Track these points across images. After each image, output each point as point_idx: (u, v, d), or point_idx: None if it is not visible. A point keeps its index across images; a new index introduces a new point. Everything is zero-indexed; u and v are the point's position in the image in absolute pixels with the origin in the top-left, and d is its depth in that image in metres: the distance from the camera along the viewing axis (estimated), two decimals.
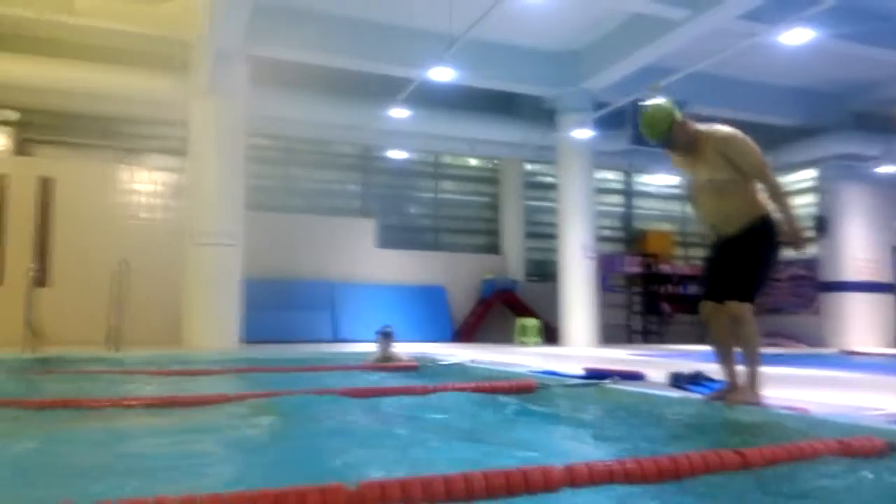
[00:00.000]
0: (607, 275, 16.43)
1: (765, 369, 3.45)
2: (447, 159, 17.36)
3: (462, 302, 15.85)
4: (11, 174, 11.89)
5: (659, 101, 3.64)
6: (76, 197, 12.07)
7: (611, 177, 18.52)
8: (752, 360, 3.36)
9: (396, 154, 16.60)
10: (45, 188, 11.91)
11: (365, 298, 14.65)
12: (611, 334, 15.14)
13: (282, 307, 13.62)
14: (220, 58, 10.23)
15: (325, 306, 14.43)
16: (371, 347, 6.76)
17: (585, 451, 2.66)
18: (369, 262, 15.22)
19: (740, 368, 3.42)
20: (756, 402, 3.25)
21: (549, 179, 17.00)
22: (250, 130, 11.62)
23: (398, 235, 16.12)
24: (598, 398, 3.85)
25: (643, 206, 19.07)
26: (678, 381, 3.94)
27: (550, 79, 13.35)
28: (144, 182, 12.86)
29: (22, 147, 12.98)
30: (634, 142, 13.26)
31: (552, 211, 15.46)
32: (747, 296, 3.36)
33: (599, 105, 13.28)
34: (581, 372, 4.92)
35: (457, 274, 15.90)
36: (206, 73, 10.61)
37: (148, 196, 12.81)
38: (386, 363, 6.29)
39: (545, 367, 5.66)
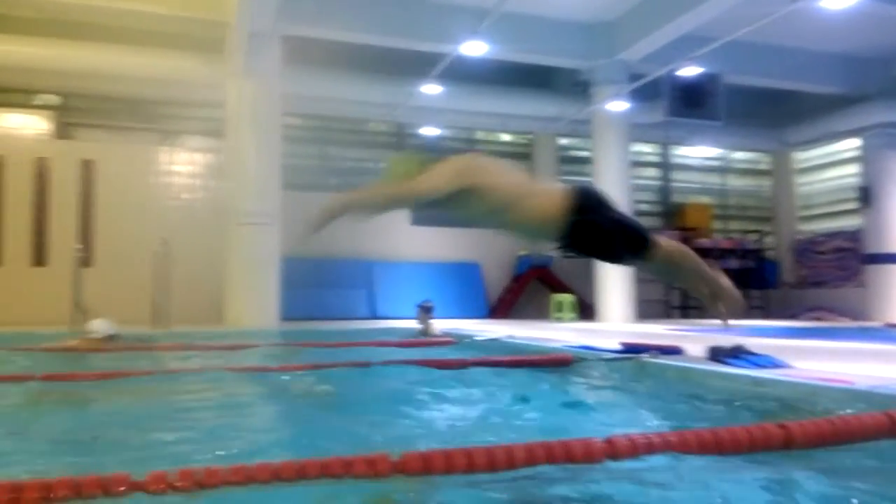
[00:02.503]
0: None
1: (809, 342, 3.40)
2: (480, 135, 17.28)
3: (497, 278, 15.86)
4: (54, 157, 12.19)
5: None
6: (117, 179, 12.34)
7: (647, 150, 18.25)
8: (704, 270, 3.49)
9: (429, 131, 16.57)
10: (87, 171, 12.20)
11: (401, 276, 14.76)
12: (648, 310, 15.02)
13: (319, 285, 13.80)
14: (254, 39, 10.31)
15: (362, 284, 14.59)
16: (408, 324, 6.83)
17: (624, 423, 2.66)
18: (405, 239, 15.30)
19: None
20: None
21: (583, 153, 16.83)
22: (285, 110, 11.71)
23: (431, 213, 16.13)
24: (635, 372, 3.84)
25: (681, 179, 18.77)
26: (717, 354, 3.90)
27: (584, 51, 13.16)
28: (183, 163, 13.08)
29: (63, 130, 13.28)
30: (672, 113, 13.03)
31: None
32: (639, 235, 3.34)
33: (635, 76, 13.06)
34: (617, 346, 4.91)
35: (491, 250, 15.90)
36: (241, 55, 10.70)
37: (187, 177, 13.04)
38: (424, 338, 6.35)
39: (581, 342, 5.65)
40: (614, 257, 3.32)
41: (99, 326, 5.46)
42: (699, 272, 3.36)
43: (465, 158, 3.29)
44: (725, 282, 3.32)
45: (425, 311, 6.68)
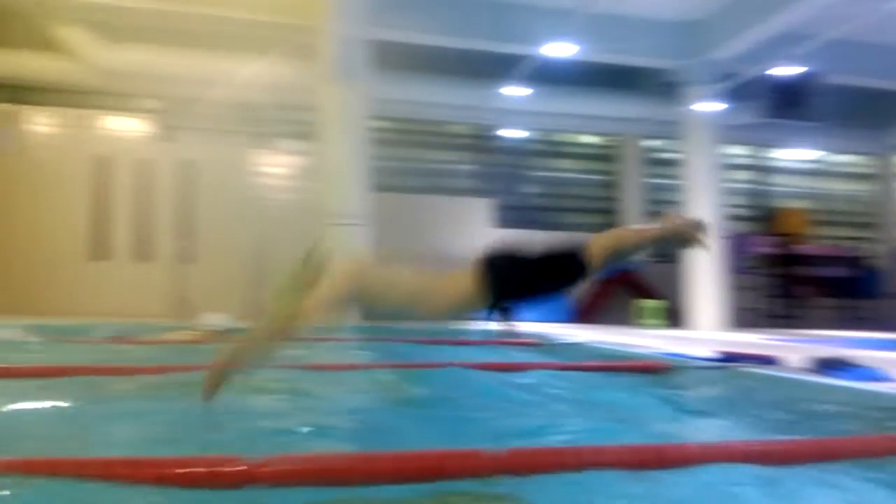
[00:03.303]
0: (738, 256, 15.69)
1: None
2: (562, 137, 17.13)
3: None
4: (157, 159, 12.89)
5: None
6: (215, 179, 12.95)
7: (739, 152, 17.62)
8: (647, 234, 3.17)
9: (511, 133, 16.56)
10: (188, 171, 12.85)
11: None
12: (742, 318, 14.48)
13: None
14: (343, 43, 10.58)
15: None
16: (488, 326, 6.82)
17: (719, 430, 2.62)
18: (486, 241, 15.31)
19: None
20: None
21: (670, 156, 16.42)
22: (373, 113, 11.98)
23: (514, 215, 16.12)
24: (731, 381, 3.75)
25: (776, 182, 18.03)
26: (820, 365, 3.76)
27: (673, 50, 12.85)
28: (277, 165, 13.59)
29: (165, 133, 14.02)
30: (768, 114, 12.56)
31: (674, 189, 14.94)
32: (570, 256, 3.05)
33: (726, 76, 12.65)
34: (711, 355, 4.80)
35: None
36: (331, 59, 11.00)
37: (280, 178, 13.53)
38: (508, 339, 6.36)
39: (671, 349, 5.55)
40: (557, 288, 3.05)
41: (216, 320, 5.65)
42: (644, 239, 3.08)
43: (352, 264, 3.01)
44: (670, 223, 2.99)
45: (507, 313, 6.68)
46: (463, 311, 3.02)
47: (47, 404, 2.69)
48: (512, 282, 2.97)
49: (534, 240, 3.11)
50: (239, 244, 11.02)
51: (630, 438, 2.31)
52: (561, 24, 10.34)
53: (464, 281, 2.92)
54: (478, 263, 2.94)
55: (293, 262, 2.91)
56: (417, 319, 2.95)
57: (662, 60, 13.19)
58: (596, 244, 2.94)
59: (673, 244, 3.07)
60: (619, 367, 4.01)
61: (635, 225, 3.13)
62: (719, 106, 12.95)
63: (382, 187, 13.94)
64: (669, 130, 14.42)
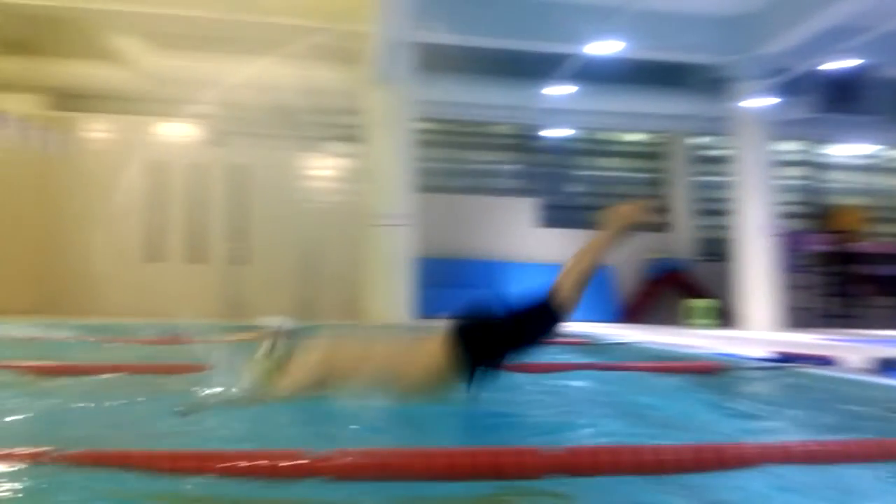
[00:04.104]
0: (791, 254, 15.30)
1: None
2: (607, 135, 16.97)
3: (626, 282, 15.50)
4: (210, 164, 13.21)
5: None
6: (267, 183, 13.24)
7: (791, 148, 17.18)
8: (602, 244, 3.06)
9: (555, 132, 16.47)
10: (239, 175, 13.14)
11: (527, 277, 14.75)
12: (796, 318, 14.11)
13: (451, 285, 14.07)
14: (389, 46, 10.68)
15: (489, 284, 14.74)
16: None
17: (776, 431, 2.58)
18: (531, 241, 15.29)
19: None
20: None
21: (718, 153, 16.12)
22: (418, 115, 12.07)
23: (559, 214, 16.02)
24: (788, 381, 3.68)
25: (830, 178, 17.52)
26: (881, 365, 3.67)
27: (722, 45, 12.59)
28: (325, 168, 13.81)
29: (216, 138, 14.34)
30: (822, 109, 12.22)
31: (723, 186, 14.66)
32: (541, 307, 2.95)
33: (777, 71, 12.35)
34: (764, 355, 4.71)
35: (619, 253, 15.54)
36: (376, 62, 11.13)
37: (328, 181, 13.75)
38: (558, 338, 6.33)
39: (723, 349, 5.46)
40: (534, 342, 2.90)
41: (279, 321, 5.72)
42: (603, 249, 2.98)
43: (322, 344, 2.86)
44: (615, 217, 2.87)
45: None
46: (440, 384, 2.79)
47: (114, 402, 2.79)
48: (485, 349, 2.78)
49: (502, 298, 2.96)
50: (289, 246, 11.23)
51: (686, 439, 2.29)
52: (606, 21, 10.24)
53: (436, 350, 2.75)
54: (447, 334, 2.76)
55: (261, 347, 2.84)
56: (391, 398, 2.64)
57: (710, 56, 12.94)
58: (562, 285, 2.85)
59: (630, 233, 3.00)
60: (671, 368, 3.96)
61: (586, 241, 2.96)
62: (770, 101, 12.66)
63: (427, 188, 14.04)
64: (718, 127, 14.15)
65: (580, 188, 16.79)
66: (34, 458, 1.79)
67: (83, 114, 13.23)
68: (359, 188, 12.88)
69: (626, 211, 2.95)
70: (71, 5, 11.07)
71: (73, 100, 13.36)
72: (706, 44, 12.60)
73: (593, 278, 2.98)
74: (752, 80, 12.54)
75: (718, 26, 12.55)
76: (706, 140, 16.69)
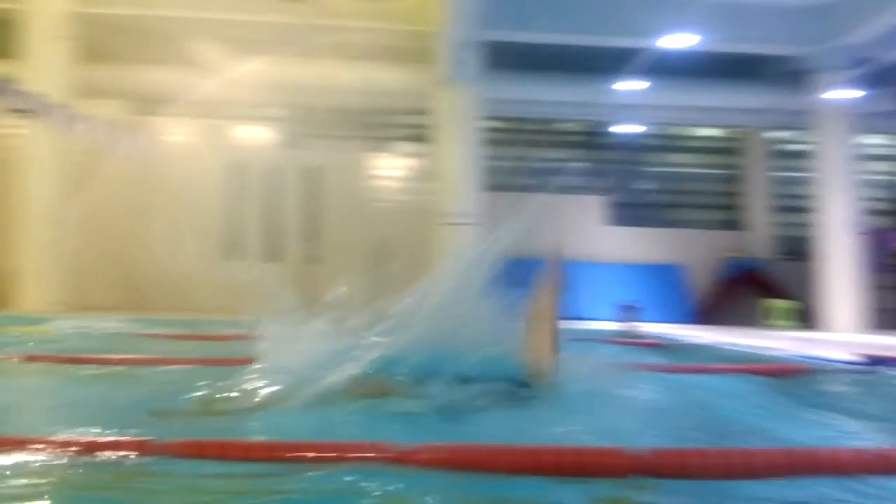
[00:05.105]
0: (876, 252, 14.56)
1: None
2: (680, 131, 16.58)
3: (699, 281, 15.11)
4: (284, 165, 13.58)
5: None
6: (339, 183, 13.52)
7: (876, 142, 16.38)
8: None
9: (625, 128, 16.19)
10: (314, 176, 13.47)
11: (596, 277, 14.56)
12: (882, 319, 13.44)
13: (519, 285, 14.04)
14: (457, 47, 10.74)
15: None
16: (604, 326, 6.74)
17: (869, 434, 2.48)
18: (600, 239, 15.08)
19: None
20: None
21: (798, 147, 15.52)
22: (485, 114, 12.09)
23: (629, 212, 15.76)
24: (877, 384, 3.54)
25: None
26: None
27: (802, 36, 12.13)
28: (395, 168, 14.00)
29: (291, 140, 14.72)
30: None
31: (803, 182, 14.13)
32: None
33: (861, 61, 11.80)
34: (851, 358, 4.53)
35: (693, 251, 15.18)
36: (445, 63, 11.20)
37: (398, 181, 13.93)
38: (631, 339, 6.27)
39: (805, 351, 5.27)
40: None
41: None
42: (557, 297, 2.90)
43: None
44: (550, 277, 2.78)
45: (630, 312, 6.58)
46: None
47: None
48: None
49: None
50: (360, 244, 11.44)
51: (772, 442, 2.24)
52: (680, 14, 10.02)
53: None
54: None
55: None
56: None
57: (789, 47, 12.49)
58: (531, 358, 2.82)
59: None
60: (754, 370, 3.85)
61: (537, 298, 2.93)
62: (854, 93, 12.12)
63: (495, 187, 14.04)
64: (798, 121, 13.64)
65: (651, 185, 16.46)
66: (139, 448, 1.89)
67: (165, 118, 13.78)
68: (427, 188, 13.00)
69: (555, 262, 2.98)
70: (151, 14, 11.56)
71: (155, 104, 13.93)
72: (785, 34, 12.18)
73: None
74: (835, 72, 12.06)
75: (798, 16, 12.09)
76: (785, 134, 16.12)
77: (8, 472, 1.73)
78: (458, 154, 11.46)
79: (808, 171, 13.19)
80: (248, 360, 2.97)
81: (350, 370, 2.68)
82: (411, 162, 14.04)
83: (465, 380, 2.67)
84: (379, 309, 3.04)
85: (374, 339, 2.84)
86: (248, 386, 2.81)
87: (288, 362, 2.87)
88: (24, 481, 1.66)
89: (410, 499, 1.65)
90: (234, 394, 2.77)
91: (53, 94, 10.70)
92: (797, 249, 15.07)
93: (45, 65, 11.25)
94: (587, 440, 2.26)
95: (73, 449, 1.88)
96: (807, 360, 4.34)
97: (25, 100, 10.05)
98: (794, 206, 15.39)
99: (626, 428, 2.51)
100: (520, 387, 2.83)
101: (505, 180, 15.24)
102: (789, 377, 3.75)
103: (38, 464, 1.80)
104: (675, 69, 13.25)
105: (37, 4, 11.44)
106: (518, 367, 2.81)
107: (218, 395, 2.79)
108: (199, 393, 2.81)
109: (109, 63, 12.80)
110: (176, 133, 13.88)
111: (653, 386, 3.43)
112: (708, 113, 14.94)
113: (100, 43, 12.29)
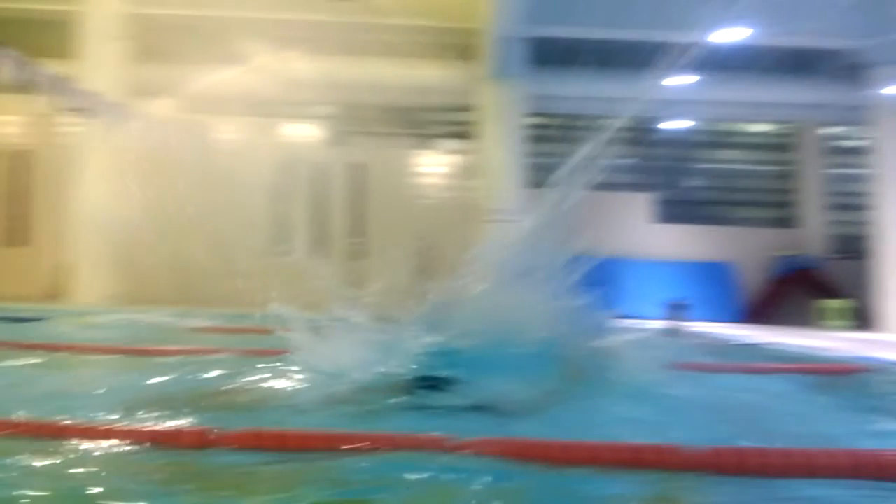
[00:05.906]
0: None
1: None
2: (730, 127, 16.23)
3: (750, 280, 14.78)
4: (330, 162, 13.74)
5: None
6: (384, 180, 13.62)
7: None
8: None
9: (672, 124, 15.92)
10: (359, 173, 13.61)
11: (643, 275, 14.37)
12: None
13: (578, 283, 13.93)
14: (501, 43, 10.72)
15: (603, 282, 14.47)
16: (652, 325, 6.62)
17: None
18: (646, 237, 14.88)
19: None
20: None
21: (854, 143, 15.06)
22: (529, 110, 12.03)
23: (677, 209, 15.50)
24: None
25: None
26: None
27: (858, 29, 11.78)
28: (438, 165, 14.05)
29: (337, 137, 14.88)
30: None
31: (859, 179, 13.71)
32: None
33: None
34: None
35: (744, 249, 14.86)
36: (489, 59, 11.19)
37: (442, 177, 13.97)
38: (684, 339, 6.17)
39: (862, 352, 5.12)
40: None
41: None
42: None
43: None
44: None
45: (678, 310, 6.49)
46: None
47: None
48: None
49: None
50: (405, 241, 11.52)
51: (831, 443, 2.18)
52: (731, 7, 9.80)
53: None
54: None
55: None
56: None
57: (845, 41, 12.15)
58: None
59: None
60: (817, 370, 3.76)
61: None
62: None
63: (539, 184, 13.95)
64: (854, 116, 13.26)
65: (701, 182, 16.16)
66: (199, 438, 1.94)
67: (216, 116, 14.06)
68: (471, 184, 13.00)
69: None
70: (203, 14, 11.81)
71: (206, 103, 14.22)
72: (841, 27, 11.84)
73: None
74: (892, 66, 11.68)
75: (854, 8, 11.72)
76: (840, 130, 15.66)
77: (72, 459, 1.79)
78: (503, 151, 11.44)
79: (864, 167, 12.82)
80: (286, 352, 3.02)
81: (397, 365, 2.71)
82: (456, 159, 14.06)
83: (512, 373, 2.67)
84: (423, 301, 3.06)
85: (418, 331, 2.85)
86: (298, 378, 2.86)
87: (334, 357, 2.90)
88: (85, 469, 1.71)
89: (464, 489, 1.66)
90: (285, 386, 2.82)
91: (109, 93, 11.04)
92: (852, 247, 14.64)
93: (100, 64, 11.61)
94: (637, 437, 2.24)
95: (135, 437, 1.95)
96: (863, 360, 4.22)
97: (82, 98, 10.42)
98: (849, 203, 14.95)
99: (677, 425, 2.48)
100: (566, 381, 2.82)
101: (549, 177, 15.12)
102: (847, 376, 3.65)
103: (99, 452, 1.86)
104: (727, 63, 12.96)
105: (92, 6, 11.81)
106: (563, 361, 2.80)
107: (272, 388, 2.85)
108: (251, 384, 2.87)
109: (163, 63, 13.12)
110: (227, 131, 14.15)
111: (700, 386, 3.39)
112: (760, 108, 14.62)
113: (153, 43, 12.61)
